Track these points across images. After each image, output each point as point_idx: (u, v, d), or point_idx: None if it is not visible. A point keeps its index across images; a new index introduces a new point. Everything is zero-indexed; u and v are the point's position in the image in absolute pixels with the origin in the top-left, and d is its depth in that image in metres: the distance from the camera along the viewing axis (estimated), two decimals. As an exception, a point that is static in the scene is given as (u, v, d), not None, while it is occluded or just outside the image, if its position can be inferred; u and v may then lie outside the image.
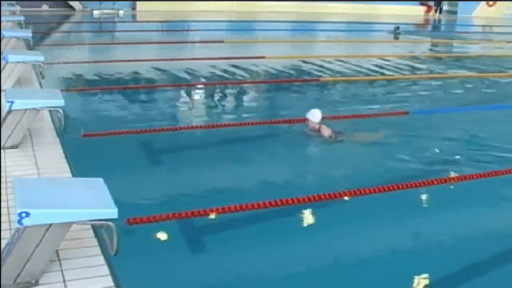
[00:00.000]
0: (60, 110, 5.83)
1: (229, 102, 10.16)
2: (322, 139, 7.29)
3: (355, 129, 7.75)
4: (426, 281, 4.24)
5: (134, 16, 27.20)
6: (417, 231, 5.13)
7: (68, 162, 5.53)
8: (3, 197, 4.41)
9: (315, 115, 7.49)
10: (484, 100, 10.97)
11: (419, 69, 14.26)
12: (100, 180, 3.69)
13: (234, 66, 13.09)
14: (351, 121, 8.28)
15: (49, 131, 6.52)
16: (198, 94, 10.68)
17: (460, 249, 4.76)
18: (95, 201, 3.44)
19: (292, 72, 13.03)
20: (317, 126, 7.41)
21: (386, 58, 15.49)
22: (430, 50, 20.29)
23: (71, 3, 26.82)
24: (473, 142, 7.77)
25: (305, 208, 5.28)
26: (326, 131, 7.32)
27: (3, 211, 4.13)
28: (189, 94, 10.56)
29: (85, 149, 6.45)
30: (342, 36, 21.61)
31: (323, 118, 7.49)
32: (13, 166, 5.31)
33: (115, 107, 9.29)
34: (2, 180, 4.74)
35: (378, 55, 16.01)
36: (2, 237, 3.70)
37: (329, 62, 14.22)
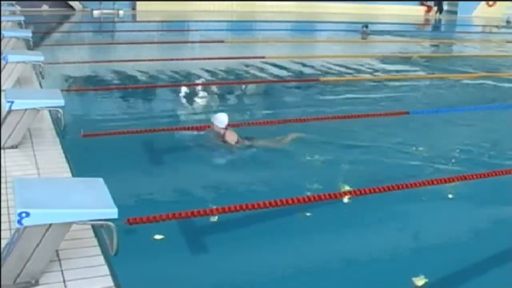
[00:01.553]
0: (60, 110, 5.83)
1: (229, 102, 10.15)
2: (226, 146, 6.78)
3: (267, 134, 7.31)
4: (426, 281, 4.24)
5: (134, 16, 27.21)
6: (417, 231, 5.13)
7: (68, 162, 5.52)
8: (3, 197, 4.41)
9: (220, 120, 6.86)
10: (485, 100, 10.96)
11: (419, 68, 14.26)
12: (100, 180, 3.69)
13: (234, 66, 13.09)
14: (337, 122, 8.20)
15: (49, 131, 6.51)
16: (198, 94, 10.67)
17: (460, 249, 4.76)
18: (95, 201, 3.44)
19: (292, 72, 13.02)
20: (222, 131, 6.81)
21: (386, 57, 15.48)
22: (430, 50, 20.30)
23: (71, 3, 26.83)
24: (473, 142, 7.76)
25: (305, 208, 5.28)
26: (231, 137, 6.76)
27: (3, 211, 4.13)
28: (189, 94, 10.56)
29: (85, 149, 6.45)
30: (342, 36, 21.61)
31: (229, 124, 6.92)
32: (13, 166, 5.31)
33: (115, 107, 9.30)
34: (2, 180, 4.74)
35: (378, 55, 16.01)
36: (2, 237, 3.70)
37: (329, 62, 14.22)
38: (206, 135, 7.09)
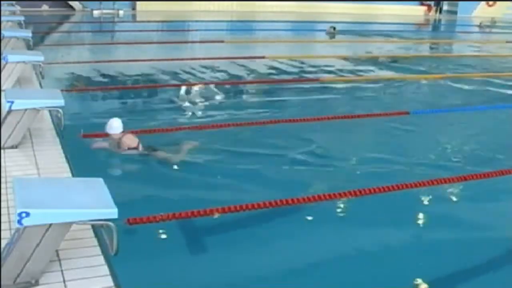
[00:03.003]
0: (60, 110, 5.83)
1: (229, 102, 10.15)
2: (127, 152, 6.30)
3: (169, 142, 6.91)
4: (426, 281, 4.24)
5: (134, 16, 27.23)
6: (417, 231, 5.13)
7: (68, 162, 5.52)
8: (3, 197, 4.41)
9: (114, 127, 6.42)
10: (485, 100, 10.96)
11: (419, 68, 14.25)
12: (100, 180, 3.69)
13: (234, 66, 13.09)
14: (322, 123, 8.17)
15: (49, 131, 6.51)
16: (198, 94, 10.67)
17: (460, 249, 4.76)
18: (95, 201, 3.44)
19: (292, 72, 13.02)
20: (117, 137, 6.34)
21: (385, 57, 15.48)
22: (430, 50, 20.31)
23: (71, 3, 26.86)
24: (473, 142, 7.76)
25: (305, 208, 5.28)
26: (130, 141, 6.28)
27: (3, 211, 4.13)
28: (189, 94, 10.55)
29: (85, 149, 6.45)
30: (342, 36, 21.60)
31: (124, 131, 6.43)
32: (13, 166, 5.31)
33: (115, 107, 9.30)
34: (2, 180, 4.74)
35: (377, 55, 16.01)
36: (2, 237, 3.70)
37: (329, 62, 14.22)
38: (110, 144, 6.44)
